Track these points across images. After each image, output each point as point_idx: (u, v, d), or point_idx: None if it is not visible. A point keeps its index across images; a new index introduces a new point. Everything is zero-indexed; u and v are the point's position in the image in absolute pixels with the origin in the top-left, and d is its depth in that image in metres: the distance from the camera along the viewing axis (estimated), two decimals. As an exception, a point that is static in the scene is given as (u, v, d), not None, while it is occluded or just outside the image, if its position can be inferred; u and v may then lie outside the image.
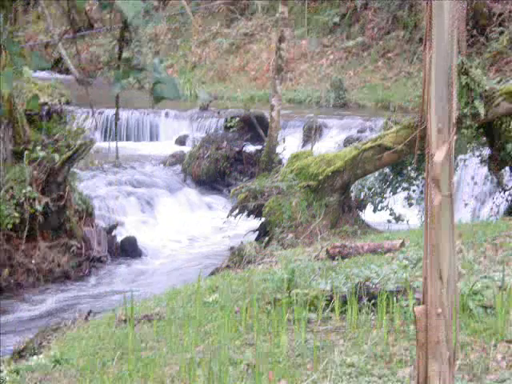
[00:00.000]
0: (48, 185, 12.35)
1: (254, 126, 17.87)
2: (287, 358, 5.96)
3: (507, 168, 12.23)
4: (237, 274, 9.07)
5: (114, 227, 13.94)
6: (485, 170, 12.85)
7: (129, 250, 13.82)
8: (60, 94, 19.65)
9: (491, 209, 12.50)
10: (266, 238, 11.87)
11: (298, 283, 7.44)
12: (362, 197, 12.70)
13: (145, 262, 13.73)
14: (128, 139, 20.00)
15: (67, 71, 27.28)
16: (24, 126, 12.57)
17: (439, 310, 3.36)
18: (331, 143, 16.49)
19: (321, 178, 12.19)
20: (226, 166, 17.46)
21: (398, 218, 12.48)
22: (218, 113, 19.68)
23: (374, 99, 21.73)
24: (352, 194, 12.68)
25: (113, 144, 17.87)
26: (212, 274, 10.55)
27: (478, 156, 12.30)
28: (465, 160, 12.47)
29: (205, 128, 19.62)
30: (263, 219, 12.39)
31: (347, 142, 16.58)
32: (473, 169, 13.35)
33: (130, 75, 2.90)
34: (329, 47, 24.86)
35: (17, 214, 11.71)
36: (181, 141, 19.64)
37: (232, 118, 18.66)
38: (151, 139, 20.22)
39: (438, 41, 3.30)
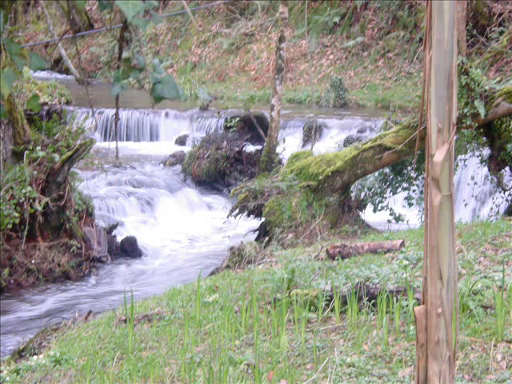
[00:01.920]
0: (48, 185, 12.35)
1: (254, 126, 17.86)
2: (287, 358, 5.96)
3: (507, 168, 12.23)
4: (237, 274, 9.07)
5: (114, 227, 13.94)
6: (485, 170, 12.84)
7: (129, 250, 13.81)
8: (60, 94, 19.64)
9: (491, 209, 12.50)
10: (266, 238, 11.87)
11: (298, 283, 7.44)
12: (362, 197, 12.69)
13: (145, 261, 13.73)
14: (128, 139, 20.00)
15: (67, 71, 27.30)
16: (24, 126, 12.57)
17: (439, 310, 3.36)
18: (331, 143, 16.47)
19: (321, 177, 12.19)
20: (226, 166, 17.45)
21: (398, 218, 12.48)
22: (218, 113, 19.67)
23: (374, 99, 21.72)
24: (352, 194, 12.67)
25: (113, 144, 17.88)
26: (212, 274, 10.55)
27: (477, 156, 12.29)
28: (465, 160, 12.46)
29: (205, 128, 19.61)
30: (263, 219, 12.39)
31: (347, 142, 16.58)
32: (473, 169, 13.34)
33: (130, 75, 2.90)
34: (329, 47, 24.86)
35: (17, 214, 11.70)
36: (181, 141, 19.63)
37: (232, 118, 18.65)
38: (151, 139, 20.21)
39: (438, 41, 3.29)
